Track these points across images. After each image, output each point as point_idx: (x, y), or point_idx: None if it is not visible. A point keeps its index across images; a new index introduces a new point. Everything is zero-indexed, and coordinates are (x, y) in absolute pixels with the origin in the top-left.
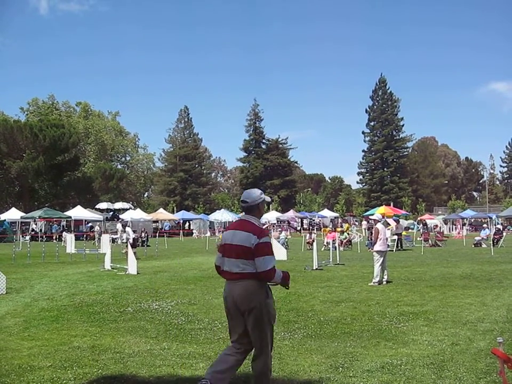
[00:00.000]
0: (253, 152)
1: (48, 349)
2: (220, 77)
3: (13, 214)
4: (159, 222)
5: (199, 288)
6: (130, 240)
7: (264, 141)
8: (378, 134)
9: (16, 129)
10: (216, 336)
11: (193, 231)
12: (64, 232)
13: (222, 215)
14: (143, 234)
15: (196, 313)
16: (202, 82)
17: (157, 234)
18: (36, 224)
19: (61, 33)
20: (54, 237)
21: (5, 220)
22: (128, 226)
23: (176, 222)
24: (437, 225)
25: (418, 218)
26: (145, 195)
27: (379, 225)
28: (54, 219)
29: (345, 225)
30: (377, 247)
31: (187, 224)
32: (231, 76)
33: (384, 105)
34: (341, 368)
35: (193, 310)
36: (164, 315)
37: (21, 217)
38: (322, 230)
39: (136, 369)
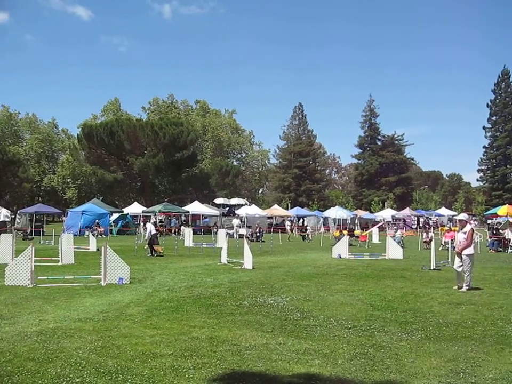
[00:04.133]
0: (368, 148)
1: (169, 338)
2: (334, 73)
3: (135, 208)
4: (274, 218)
5: (313, 284)
6: (147, 234)
7: (379, 137)
8: (500, 129)
9: (138, 127)
10: (331, 333)
11: (307, 227)
12: (182, 226)
13: (337, 212)
14: (257, 230)
15: (311, 310)
16: (316, 79)
17: (272, 230)
18: (156, 218)
19: (182, 35)
20: (173, 231)
21: (127, 214)
22: (149, 222)
23: (291, 218)
24: None
25: None
26: (260, 191)
27: (469, 227)
28: (173, 213)
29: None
30: (471, 250)
31: (301, 220)
32: (346, 72)
33: (507, 98)
34: (462, 374)
35: (308, 306)
36: (279, 310)
37: (142, 211)
38: (439, 228)
39: (253, 362)
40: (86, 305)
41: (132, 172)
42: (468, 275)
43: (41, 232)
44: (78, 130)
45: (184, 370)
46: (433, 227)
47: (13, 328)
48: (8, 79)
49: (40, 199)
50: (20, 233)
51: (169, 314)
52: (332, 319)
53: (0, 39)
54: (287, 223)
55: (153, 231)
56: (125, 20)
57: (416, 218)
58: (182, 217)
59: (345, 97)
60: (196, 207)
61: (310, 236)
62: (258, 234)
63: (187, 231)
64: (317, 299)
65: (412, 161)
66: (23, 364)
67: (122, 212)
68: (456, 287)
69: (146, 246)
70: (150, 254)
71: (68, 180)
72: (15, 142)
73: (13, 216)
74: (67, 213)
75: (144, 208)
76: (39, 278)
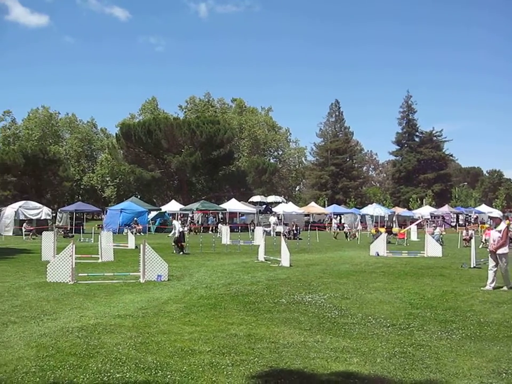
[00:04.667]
0: (405, 145)
1: (207, 335)
2: (372, 71)
3: (173, 206)
4: (311, 215)
5: (351, 282)
6: (176, 233)
7: (417, 133)
8: None
9: (175, 126)
10: (370, 331)
11: (345, 225)
12: (219, 224)
13: (374, 210)
14: (294, 228)
15: (349, 308)
16: (353, 77)
17: (309, 227)
18: (193, 216)
19: (218, 34)
20: (210, 229)
21: (165, 212)
22: (176, 220)
23: (328, 216)
24: None
25: None
26: (296, 189)
27: (504, 225)
28: (210, 211)
29: (506, 222)
30: (505, 249)
31: (338, 218)
32: (383, 70)
33: None
34: (504, 374)
35: (346, 304)
36: (317, 308)
37: (180, 209)
38: (479, 226)
39: (291, 359)
40: (126, 301)
41: (170, 170)
42: (506, 274)
43: (81, 230)
44: (117, 130)
45: (223, 367)
46: (473, 224)
47: (55, 324)
48: (48, 80)
49: (80, 197)
50: (60, 231)
51: (207, 311)
52: (370, 317)
53: (41, 41)
54: (333, 221)
55: (181, 229)
56: (161, 19)
57: (455, 215)
58: (219, 215)
59: (382, 94)
60: (233, 205)
61: (356, 234)
62: (295, 232)
63: (224, 229)
64: (354, 297)
65: (451, 157)
66: (65, 359)
67: (160, 209)
68: (489, 286)
69: (173, 244)
70: (182, 252)
71: (107, 179)
72: (55, 141)
73: (54, 214)
74: (106, 211)
75: (182, 206)
76: (79, 275)
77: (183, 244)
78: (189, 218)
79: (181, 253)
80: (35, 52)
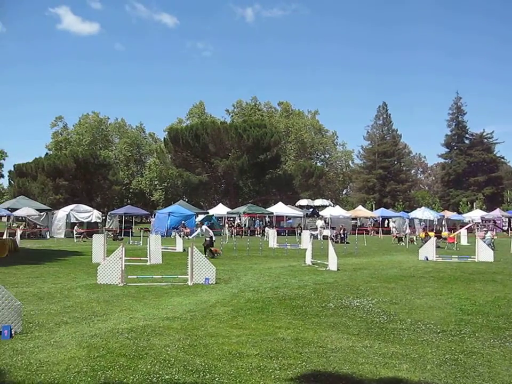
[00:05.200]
0: (455, 147)
1: (254, 338)
2: (419, 74)
3: (220, 209)
4: (358, 219)
5: (400, 287)
6: (208, 237)
7: (467, 135)
8: None
9: (222, 130)
10: (419, 337)
11: (393, 229)
12: (266, 227)
13: (423, 213)
14: (341, 231)
15: (397, 313)
16: (400, 81)
17: (356, 231)
18: (240, 219)
19: (265, 38)
20: (257, 232)
21: (213, 215)
22: (204, 224)
23: (375, 220)
24: None
25: None
26: (343, 192)
27: None
28: (257, 215)
29: None
30: None
31: (386, 221)
32: (431, 73)
33: None
34: None
35: (395, 309)
36: (365, 313)
37: (227, 213)
38: None
39: (339, 364)
40: (174, 304)
41: (217, 173)
42: None
43: (130, 233)
44: (165, 134)
45: (270, 371)
46: None
47: (106, 325)
48: (99, 86)
49: (129, 201)
50: (110, 234)
51: (254, 315)
52: (419, 323)
53: (92, 49)
54: (392, 224)
55: (211, 233)
56: (208, 25)
57: (507, 219)
58: (266, 218)
59: (431, 95)
60: (279, 209)
61: (414, 239)
62: (342, 235)
63: (271, 232)
64: (403, 302)
65: (502, 159)
66: (115, 359)
67: (208, 213)
68: None
69: (205, 249)
70: (212, 256)
71: (155, 182)
72: (105, 146)
73: (104, 218)
74: (154, 214)
75: (229, 210)
76: (129, 277)
77: (212, 248)
78: (228, 222)
79: (216, 255)
80: (86, 60)
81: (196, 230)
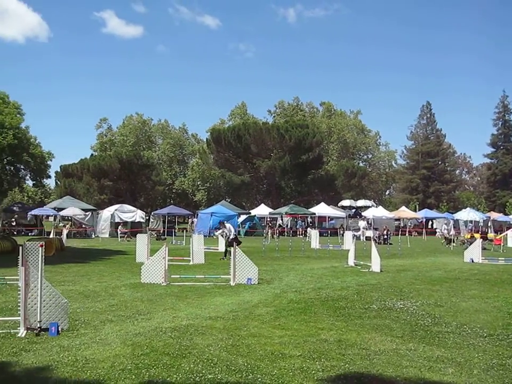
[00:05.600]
0: (502, 147)
1: (297, 339)
2: (464, 73)
3: (262, 210)
4: (401, 220)
5: (444, 289)
6: (231, 236)
7: None
8: None
9: (264, 130)
10: (465, 341)
11: (437, 230)
12: (308, 228)
13: (468, 214)
14: (384, 232)
15: (442, 316)
16: (445, 79)
17: (399, 232)
18: (282, 220)
19: (307, 38)
20: (299, 232)
21: (255, 215)
22: (227, 222)
23: (419, 221)
24: None
25: None
26: (386, 193)
27: None
28: (299, 215)
29: None
30: None
31: (430, 222)
32: (475, 74)
33: None
34: None
35: (440, 312)
36: (409, 315)
37: (269, 213)
38: None
39: (383, 367)
40: (216, 304)
41: (259, 174)
42: None
43: (173, 233)
44: (207, 135)
45: (313, 372)
46: None
47: (149, 324)
48: (142, 87)
49: (171, 201)
50: (153, 234)
51: (297, 316)
52: (465, 326)
53: (135, 51)
54: (444, 226)
55: (233, 232)
56: (250, 26)
57: None
58: (308, 219)
59: (476, 94)
60: (322, 209)
61: (465, 240)
62: (385, 236)
63: (313, 233)
64: (448, 305)
65: None
66: (159, 358)
67: (250, 213)
68: None
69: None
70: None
71: (198, 183)
72: (148, 147)
73: (147, 217)
74: (197, 215)
75: (271, 210)
76: (172, 276)
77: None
78: (270, 222)
79: (224, 258)
80: (130, 62)
81: (220, 228)
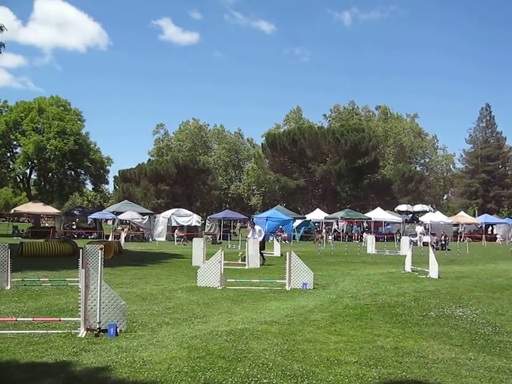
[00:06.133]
0: None
1: (353, 345)
2: None
3: (317, 214)
4: (460, 225)
5: (506, 297)
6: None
7: None
8: None
9: (320, 135)
10: None
11: (497, 236)
12: (364, 233)
13: None
14: (442, 238)
15: (503, 324)
16: (504, 79)
17: (458, 238)
18: (338, 225)
19: (362, 42)
20: (354, 237)
21: (310, 220)
22: (257, 224)
23: (478, 226)
24: None
25: None
26: (444, 197)
27: None
28: (355, 220)
29: None
30: None
31: (490, 228)
32: None
33: None
34: None
35: (501, 320)
36: (469, 323)
37: (325, 218)
38: None
39: (441, 376)
40: (272, 308)
41: (314, 178)
42: None
43: (228, 237)
44: (262, 139)
45: (369, 379)
46: None
47: (205, 327)
48: (198, 93)
49: (227, 205)
50: (209, 238)
51: (353, 322)
52: None
53: (192, 58)
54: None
55: (263, 235)
56: (305, 30)
57: None
58: (364, 223)
59: None
60: (378, 214)
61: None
62: (443, 242)
63: (369, 238)
64: (510, 313)
65: None
66: (214, 361)
67: (305, 218)
68: None
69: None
70: (263, 261)
71: (253, 187)
72: (205, 152)
73: (203, 222)
74: (252, 219)
75: (326, 215)
76: (227, 280)
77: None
78: (326, 227)
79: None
80: (186, 68)
81: (250, 230)
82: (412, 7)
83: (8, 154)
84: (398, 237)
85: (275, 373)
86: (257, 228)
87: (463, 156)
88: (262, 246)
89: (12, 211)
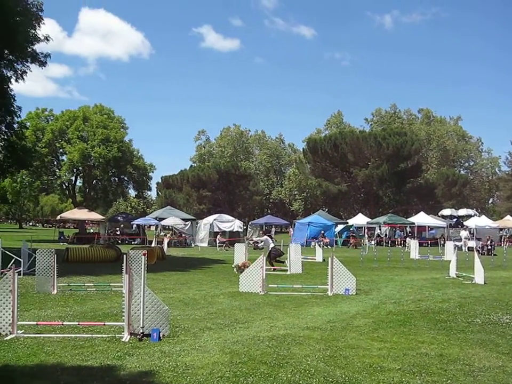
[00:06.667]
0: None
1: (396, 352)
2: None
3: (360, 219)
4: (506, 229)
5: None
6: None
7: None
8: None
9: (361, 139)
10: None
11: None
12: (407, 238)
13: None
14: (488, 243)
15: None
16: None
17: (504, 243)
18: (380, 229)
19: (404, 44)
20: (397, 242)
21: (352, 225)
22: (266, 234)
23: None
24: None
25: None
26: (490, 201)
27: None
28: (398, 225)
29: None
30: None
31: None
32: None
33: None
34: None
35: None
36: None
37: (367, 223)
38: None
39: None
40: (314, 314)
41: (356, 183)
42: None
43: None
44: (303, 145)
45: None
46: None
47: (247, 332)
48: (240, 99)
49: (269, 210)
50: (251, 243)
51: (396, 328)
52: None
53: (233, 64)
54: None
55: (271, 244)
56: (346, 34)
57: None
58: (407, 228)
59: None
60: (421, 218)
61: None
62: (489, 247)
63: (413, 243)
64: None
65: None
66: (256, 367)
67: (347, 223)
68: None
69: (269, 261)
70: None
71: (295, 192)
72: (246, 157)
73: (245, 227)
74: (294, 224)
75: (369, 220)
76: (269, 286)
77: (273, 261)
78: (368, 232)
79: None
80: (227, 74)
81: (260, 239)
82: (452, 10)
83: (55, 162)
84: (442, 242)
85: (317, 379)
86: (265, 237)
87: (508, 158)
88: (276, 254)
89: (58, 217)
